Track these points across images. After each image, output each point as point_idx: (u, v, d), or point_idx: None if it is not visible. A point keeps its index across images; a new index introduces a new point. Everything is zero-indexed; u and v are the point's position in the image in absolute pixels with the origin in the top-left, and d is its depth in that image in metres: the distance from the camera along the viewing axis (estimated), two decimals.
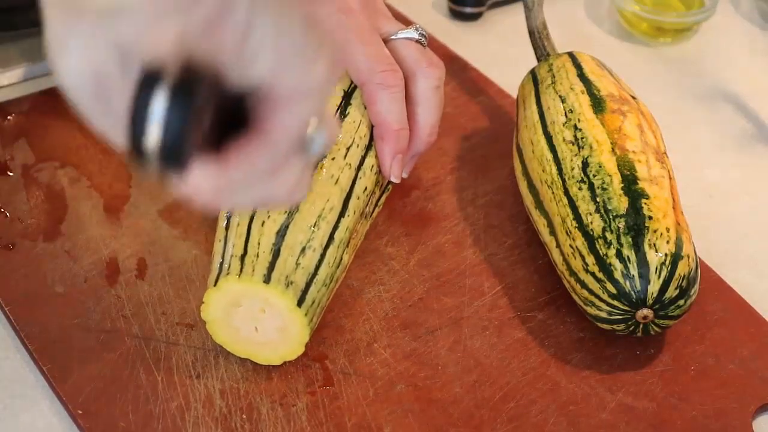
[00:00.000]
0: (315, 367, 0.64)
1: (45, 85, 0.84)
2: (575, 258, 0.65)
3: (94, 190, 0.75)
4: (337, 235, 0.63)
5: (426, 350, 0.66)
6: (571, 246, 0.65)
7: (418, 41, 0.70)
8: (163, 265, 0.69)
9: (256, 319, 0.61)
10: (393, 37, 0.69)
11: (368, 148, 0.68)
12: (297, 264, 0.60)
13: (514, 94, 0.81)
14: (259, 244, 0.61)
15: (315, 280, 0.61)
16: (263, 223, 0.61)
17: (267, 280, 0.60)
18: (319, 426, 0.61)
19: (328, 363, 0.64)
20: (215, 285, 0.61)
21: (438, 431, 0.61)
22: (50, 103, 0.82)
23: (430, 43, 0.74)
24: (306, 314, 0.60)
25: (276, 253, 0.60)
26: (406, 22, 0.73)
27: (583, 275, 0.64)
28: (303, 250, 0.61)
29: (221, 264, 0.62)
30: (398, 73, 0.67)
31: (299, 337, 0.61)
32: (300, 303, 0.60)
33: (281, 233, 0.61)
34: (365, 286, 0.69)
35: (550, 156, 0.69)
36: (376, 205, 0.69)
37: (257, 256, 0.60)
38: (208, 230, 0.71)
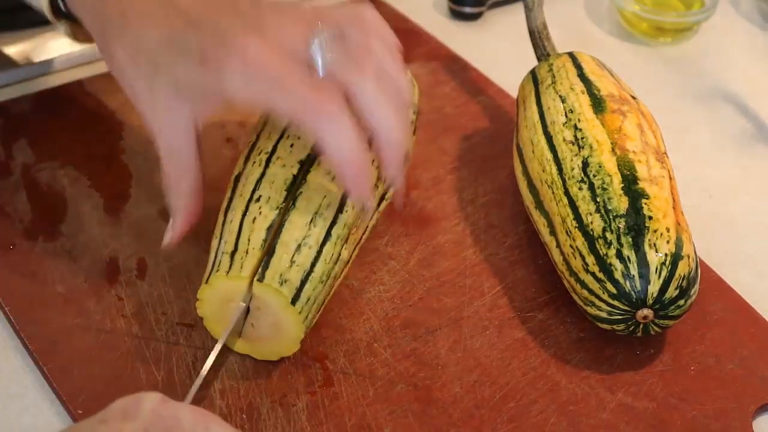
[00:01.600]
0: (315, 367, 0.64)
1: (45, 85, 0.84)
2: (575, 258, 0.65)
3: (94, 190, 0.75)
4: (335, 232, 0.63)
5: (426, 350, 0.66)
6: (571, 246, 0.65)
7: (332, 39, 0.61)
8: (163, 265, 0.69)
9: (252, 315, 0.61)
10: (310, 50, 0.61)
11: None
12: (292, 261, 0.60)
13: (514, 94, 0.81)
14: (249, 240, 0.61)
15: (311, 278, 0.61)
16: (254, 219, 0.62)
17: (261, 278, 0.60)
18: (319, 426, 0.61)
19: (328, 363, 0.64)
20: (207, 282, 0.61)
21: (438, 431, 0.61)
22: (50, 103, 0.82)
23: (429, 42, 0.73)
24: (300, 312, 0.60)
25: (270, 251, 0.60)
26: (404, 29, 0.71)
27: (583, 275, 0.64)
28: (299, 247, 0.61)
29: (214, 260, 0.62)
30: (332, 93, 0.59)
31: (294, 334, 0.61)
32: (294, 301, 0.60)
33: (273, 229, 0.61)
34: (365, 286, 0.69)
35: (550, 156, 0.69)
36: (382, 198, 0.69)
37: (246, 252, 0.60)
38: (207, 231, 0.71)
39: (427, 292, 0.69)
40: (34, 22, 0.88)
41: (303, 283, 0.61)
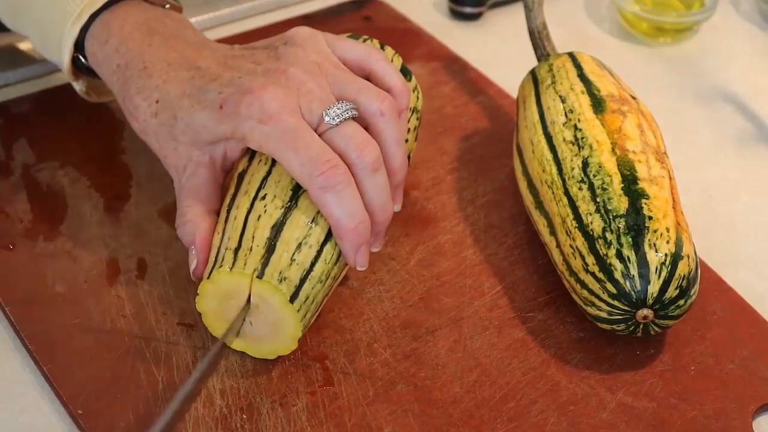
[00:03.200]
0: (315, 367, 0.64)
1: (45, 85, 0.84)
2: (575, 258, 0.65)
3: (94, 190, 0.75)
4: None
5: (426, 350, 0.66)
6: (571, 246, 0.65)
7: (348, 119, 0.63)
8: (163, 265, 0.69)
9: (250, 313, 0.61)
10: (327, 123, 0.62)
11: None
12: (292, 260, 0.61)
13: (514, 94, 0.81)
14: (253, 237, 0.61)
15: (310, 277, 0.61)
16: (259, 217, 0.62)
17: (260, 275, 0.60)
18: (319, 426, 0.61)
19: (328, 363, 0.64)
20: (209, 277, 0.61)
21: (438, 431, 0.61)
22: (50, 103, 0.82)
23: (429, 42, 0.74)
24: (299, 310, 0.60)
25: (271, 249, 0.61)
26: (404, 29, 0.71)
27: (583, 275, 0.64)
28: (299, 246, 0.61)
29: (216, 256, 0.62)
30: (338, 168, 0.61)
31: (292, 332, 0.61)
32: (293, 299, 0.60)
33: (277, 228, 0.61)
34: (365, 286, 0.69)
35: (550, 156, 0.69)
36: None
37: (250, 249, 0.60)
38: None
39: (427, 292, 0.69)
40: None
41: (302, 281, 0.61)
